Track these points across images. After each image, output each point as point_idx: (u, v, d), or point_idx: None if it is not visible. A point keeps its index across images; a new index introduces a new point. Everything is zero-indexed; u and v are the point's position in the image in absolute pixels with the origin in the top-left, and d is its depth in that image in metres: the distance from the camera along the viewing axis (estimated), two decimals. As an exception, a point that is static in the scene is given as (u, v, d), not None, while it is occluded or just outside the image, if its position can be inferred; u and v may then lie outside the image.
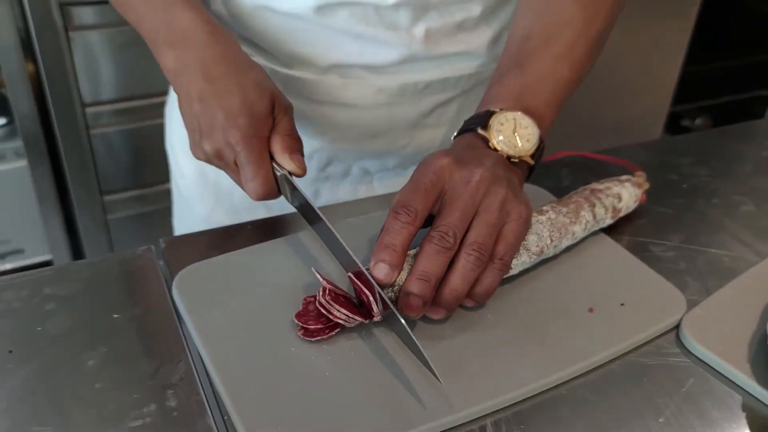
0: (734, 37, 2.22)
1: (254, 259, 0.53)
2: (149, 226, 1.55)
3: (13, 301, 0.50)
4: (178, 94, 0.55)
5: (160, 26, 0.56)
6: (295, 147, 0.54)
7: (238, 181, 0.54)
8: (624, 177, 0.62)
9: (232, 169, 0.54)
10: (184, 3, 0.55)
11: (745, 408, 0.45)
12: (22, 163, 1.41)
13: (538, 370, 0.45)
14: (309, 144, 0.68)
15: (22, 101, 1.36)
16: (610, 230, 0.60)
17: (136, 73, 1.40)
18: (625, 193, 0.60)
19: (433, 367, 0.43)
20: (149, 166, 1.49)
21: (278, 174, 0.53)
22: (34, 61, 1.35)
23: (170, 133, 0.80)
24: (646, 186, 0.62)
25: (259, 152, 0.52)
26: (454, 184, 0.48)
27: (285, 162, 0.53)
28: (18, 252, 1.52)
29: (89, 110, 1.40)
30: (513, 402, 0.44)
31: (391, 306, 0.45)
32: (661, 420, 0.44)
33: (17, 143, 1.40)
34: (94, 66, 1.37)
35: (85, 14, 1.33)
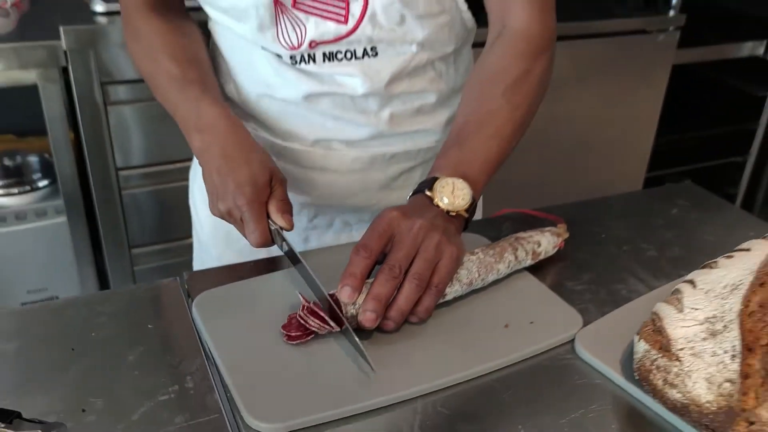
0: (703, 107, 2.41)
1: (254, 287, 0.71)
2: (171, 276, 1.72)
3: (75, 315, 0.67)
4: (201, 167, 0.73)
5: (191, 116, 0.75)
6: (286, 209, 0.72)
7: (243, 233, 0.72)
8: (547, 228, 0.78)
9: (239, 224, 0.72)
10: (210, 99, 0.75)
11: (614, 396, 0.61)
12: (62, 219, 1.60)
13: (458, 366, 0.61)
14: (299, 200, 0.86)
15: (64, 165, 1.56)
16: (535, 269, 0.76)
17: (162, 142, 1.60)
18: (545, 240, 0.76)
19: (368, 359, 0.59)
20: (173, 223, 1.67)
21: (272, 228, 0.70)
22: (76, 131, 1.56)
23: (192, 192, 0.99)
24: (565, 235, 0.79)
25: (259, 213, 0.70)
26: (401, 231, 0.65)
27: (278, 220, 0.70)
28: (52, 299, 1.69)
29: (122, 173, 1.60)
30: (437, 389, 0.60)
31: (345, 322, 0.62)
32: (552, 405, 0.59)
33: (58, 202, 1.60)
34: (127, 135, 1.57)
35: (120, 91, 1.54)
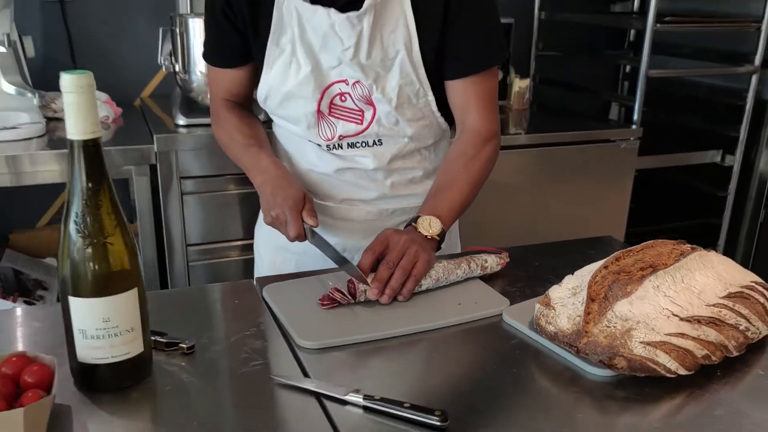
0: (671, 205, 2.80)
1: (299, 282, 1.11)
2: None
3: (184, 305, 1.08)
4: (260, 194, 1.17)
5: (254, 164, 1.20)
6: (314, 214, 1.14)
7: (285, 232, 1.13)
8: (494, 253, 1.18)
9: (283, 225, 1.13)
10: (265, 153, 1.20)
11: (523, 341, 0.98)
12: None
13: (426, 321, 1.00)
14: (332, 241, 1.27)
15: (148, 245, 2.00)
16: (485, 279, 1.15)
17: (222, 224, 2.04)
18: (491, 259, 1.16)
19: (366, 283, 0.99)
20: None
21: (305, 227, 1.12)
22: (158, 216, 2.01)
23: (257, 241, 1.42)
24: (506, 259, 1.18)
25: (296, 216, 1.12)
26: (394, 241, 1.06)
27: (309, 220, 1.12)
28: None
29: (190, 249, 2.04)
30: (411, 332, 0.98)
31: (364, 294, 1.02)
32: (488, 346, 0.97)
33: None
34: (196, 218, 2.02)
35: (194, 184, 2.01)
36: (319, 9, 1.14)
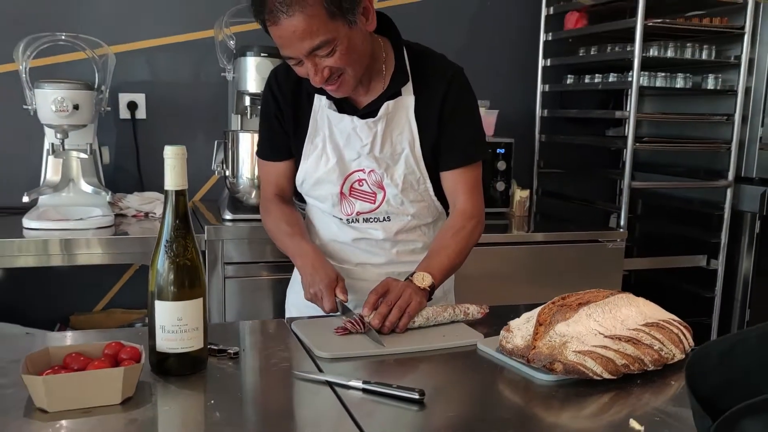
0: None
1: (320, 320, 1.42)
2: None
3: (232, 332, 1.39)
4: (302, 274, 1.50)
5: (296, 250, 1.54)
6: (345, 291, 1.45)
7: (320, 306, 1.44)
8: (476, 304, 1.47)
9: (319, 300, 1.45)
10: (305, 241, 1.55)
11: (491, 363, 1.26)
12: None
13: (410, 345, 1.29)
14: (349, 295, 1.58)
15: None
16: (470, 324, 1.44)
17: (258, 306, 2.36)
18: (473, 308, 1.45)
19: (379, 340, 1.29)
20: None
21: (337, 301, 1.43)
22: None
23: (288, 300, 1.74)
24: (486, 310, 1.47)
25: (331, 293, 1.44)
26: (393, 287, 1.38)
27: (340, 296, 1.44)
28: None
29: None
30: (396, 352, 1.27)
31: (369, 325, 1.32)
32: (464, 366, 1.26)
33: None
34: (236, 300, 2.35)
35: (234, 269, 2.35)
36: (345, 117, 1.52)
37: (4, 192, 2.64)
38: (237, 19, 2.58)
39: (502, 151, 2.81)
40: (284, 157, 1.63)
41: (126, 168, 2.83)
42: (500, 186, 2.81)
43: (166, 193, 1.13)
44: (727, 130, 2.84)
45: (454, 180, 1.57)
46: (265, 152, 1.66)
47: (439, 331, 1.38)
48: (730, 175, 2.81)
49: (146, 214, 2.57)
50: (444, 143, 1.55)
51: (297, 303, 1.67)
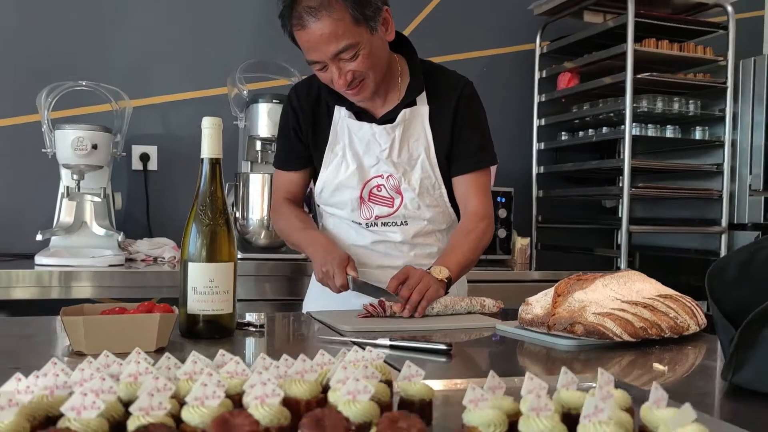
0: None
1: (340, 311, 1.44)
2: None
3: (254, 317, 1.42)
4: (313, 258, 1.54)
5: (307, 240, 1.60)
6: (355, 268, 1.49)
7: (332, 284, 1.48)
8: (492, 299, 1.51)
9: (331, 279, 1.48)
10: (314, 229, 1.61)
11: (512, 340, 1.29)
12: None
13: (430, 323, 1.32)
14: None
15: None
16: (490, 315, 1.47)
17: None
18: (489, 302, 1.49)
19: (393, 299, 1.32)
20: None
21: (349, 277, 1.47)
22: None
23: (305, 304, 1.76)
24: (501, 304, 1.51)
25: (341, 271, 1.48)
26: (413, 274, 1.42)
27: (351, 272, 1.48)
28: None
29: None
30: (418, 330, 1.30)
31: (390, 308, 1.36)
32: (489, 346, 1.28)
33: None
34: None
35: (244, 306, 2.37)
36: (365, 124, 1.61)
37: (19, 237, 2.67)
38: (248, 75, 2.72)
39: (503, 200, 2.90)
40: (299, 167, 1.71)
41: (135, 216, 2.89)
42: (501, 233, 2.88)
43: (202, 161, 1.19)
44: (717, 181, 2.95)
45: (465, 184, 1.65)
46: (281, 162, 1.73)
47: (456, 319, 1.41)
48: (724, 222, 2.90)
49: (155, 259, 2.60)
50: (456, 150, 1.64)
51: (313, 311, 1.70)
